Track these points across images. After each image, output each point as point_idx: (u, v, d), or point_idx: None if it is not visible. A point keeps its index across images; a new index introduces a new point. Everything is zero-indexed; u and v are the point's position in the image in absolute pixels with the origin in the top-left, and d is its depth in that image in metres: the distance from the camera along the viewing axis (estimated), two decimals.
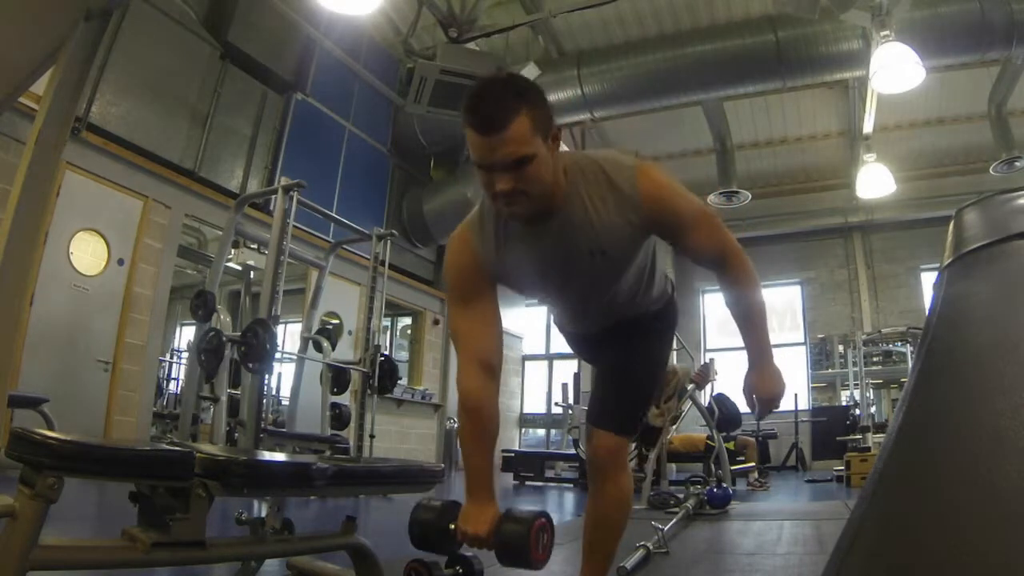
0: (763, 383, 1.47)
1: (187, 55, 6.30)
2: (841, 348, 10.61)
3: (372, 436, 5.21)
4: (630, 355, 1.65)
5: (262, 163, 7.09)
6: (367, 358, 5.31)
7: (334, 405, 5.93)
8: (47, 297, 4.96)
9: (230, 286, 9.27)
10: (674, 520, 3.38)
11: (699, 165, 9.84)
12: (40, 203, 1.56)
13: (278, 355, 4.84)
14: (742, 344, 1.52)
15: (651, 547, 2.56)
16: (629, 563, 2.28)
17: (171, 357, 9.67)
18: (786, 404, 8.53)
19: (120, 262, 5.59)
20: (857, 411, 9.08)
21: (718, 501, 4.19)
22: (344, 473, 1.55)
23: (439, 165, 9.64)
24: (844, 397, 10.32)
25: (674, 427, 6.06)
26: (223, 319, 5.13)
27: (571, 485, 7.18)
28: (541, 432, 11.69)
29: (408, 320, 10.20)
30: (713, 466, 5.88)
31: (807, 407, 10.44)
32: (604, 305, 1.53)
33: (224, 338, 4.56)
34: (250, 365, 4.20)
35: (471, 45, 5.73)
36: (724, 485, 4.57)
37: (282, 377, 8.39)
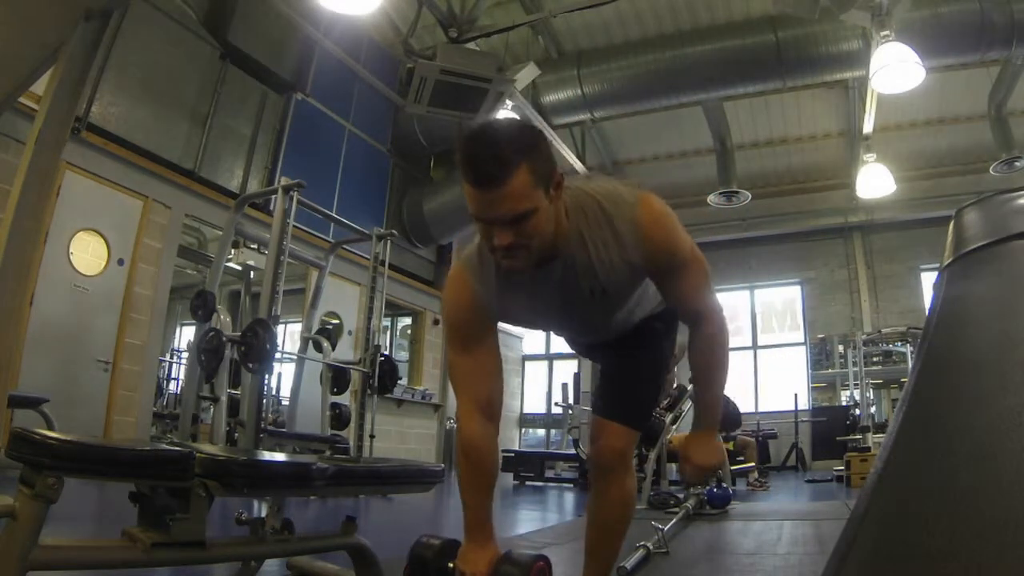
0: (701, 451, 1.47)
1: (187, 55, 6.30)
2: (841, 348, 10.61)
3: (372, 436, 5.21)
4: (633, 351, 1.65)
5: (262, 163, 7.10)
6: (367, 358, 5.31)
7: (334, 405, 5.93)
8: (47, 297, 4.96)
9: (230, 286, 9.27)
10: (674, 520, 3.38)
11: (699, 165, 9.84)
12: (40, 203, 1.56)
13: (278, 355, 4.84)
14: (701, 398, 1.55)
15: (651, 547, 2.56)
16: (629, 563, 2.28)
17: (171, 357, 9.67)
18: (786, 404, 8.53)
19: (120, 262, 5.59)
20: (857, 411, 9.07)
21: (718, 501, 4.19)
22: (344, 473, 1.55)
23: (439, 165, 9.64)
24: (844, 397, 10.32)
25: (674, 427, 6.05)
26: (223, 319, 5.13)
27: (571, 485, 7.18)
28: (541, 432, 11.70)
29: (408, 320, 10.20)
30: None
31: (807, 407, 10.44)
32: (602, 326, 1.57)
33: (224, 338, 4.56)
34: (250, 365, 4.20)
35: (471, 45, 5.73)
36: (724, 485, 4.57)
37: (282, 377, 8.39)
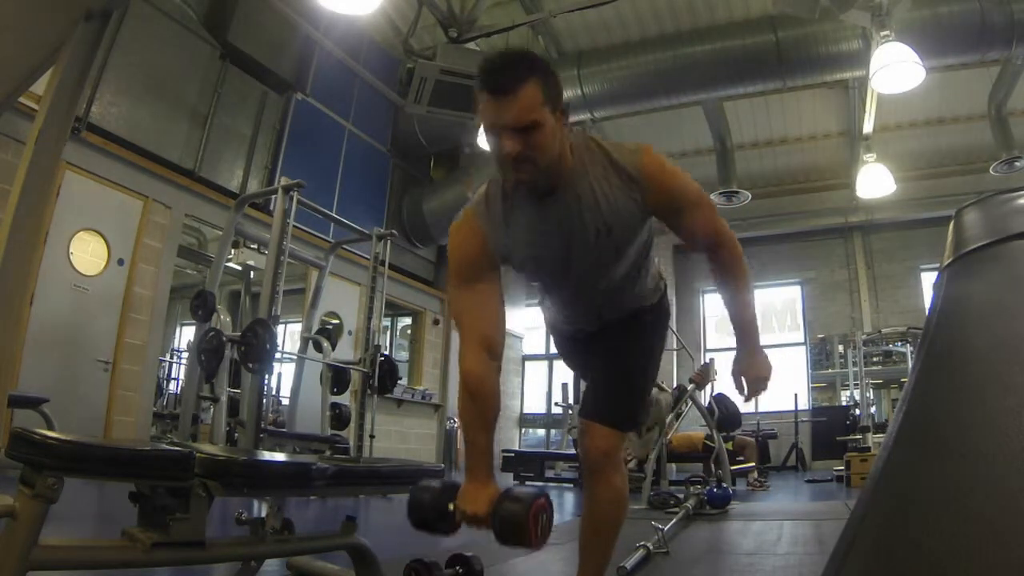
0: (752, 365, 1.53)
1: (187, 55, 6.30)
2: (841, 348, 10.61)
3: (372, 436, 5.21)
4: (621, 348, 1.64)
5: (262, 163, 7.10)
6: (367, 358, 5.31)
7: (334, 405, 5.93)
8: (47, 297, 4.96)
9: (230, 286, 9.27)
10: (674, 520, 3.38)
11: (699, 165, 9.84)
12: (40, 203, 1.56)
13: (278, 355, 4.84)
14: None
15: (651, 547, 2.56)
16: (629, 563, 2.28)
17: (171, 357, 9.67)
18: (786, 404, 8.50)
19: (120, 262, 5.59)
20: (857, 411, 9.07)
21: (718, 501, 4.19)
22: (344, 473, 1.55)
23: (439, 165, 9.64)
24: (844, 397, 10.32)
25: (674, 427, 6.05)
26: (223, 319, 5.13)
27: (571, 485, 7.18)
28: (541, 432, 11.70)
29: (408, 320, 10.20)
30: (713, 466, 5.88)
31: (807, 407, 10.43)
32: (599, 292, 1.54)
33: (224, 338, 4.56)
34: (250, 365, 4.20)
35: (471, 45, 5.72)
36: (724, 485, 4.57)
37: (282, 377, 8.39)
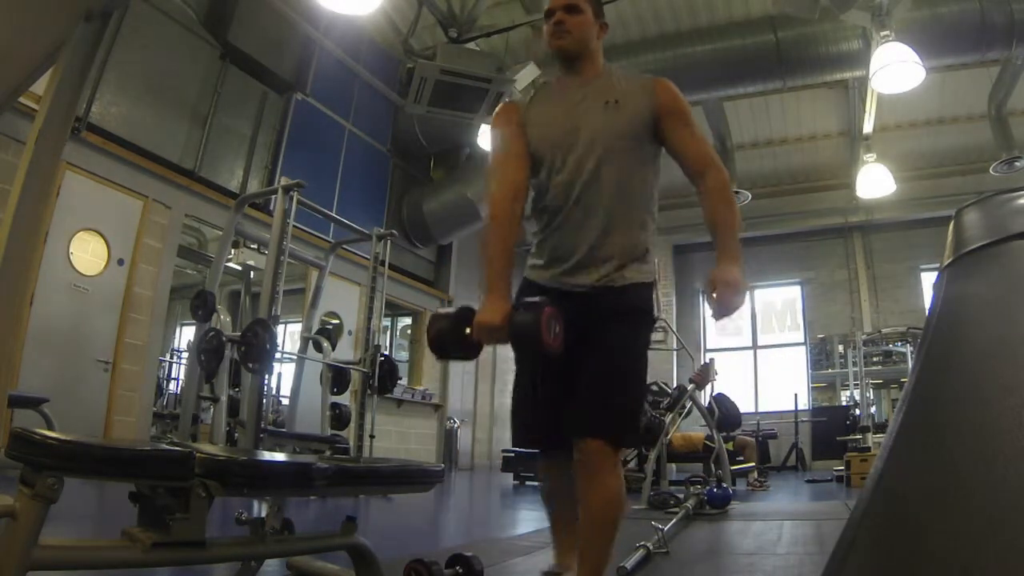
0: (726, 277, 1.53)
1: (187, 55, 6.30)
2: (841, 348, 10.61)
3: (372, 436, 5.20)
4: (610, 343, 1.60)
5: (262, 163, 7.10)
6: (367, 358, 5.31)
7: (334, 405, 5.92)
8: (47, 297, 4.95)
9: (230, 286, 9.27)
10: (674, 520, 3.38)
11: None
12: (40, 203, 1.56)
13: (278, 355, 4.84)
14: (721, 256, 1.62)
15: (651, 547, 2.55)
16: (629, 563, 2.28)
17: (171, 357, 9.67)
18: (786, 404, 8.50)
19: (120, 262, 5.59)
20: (857, 411, 9.07)
21: (718, 501, 4.19)
22: (344, 473, 1.54)
23: (439, 165, 9.64)
24: (844, 397, 10.33)
25: (674, 427, 6.05)
26: (223, 319, 5.13)
27: None
28: None
29: (408, 320, 10.20)
30: (713, 466, 5.88)
31: (807, 407, 10.44)
32: (598, 196, 1.62)
33: (224, 338, 4.56)
34: (250, 365, 4.19)
35: (471, 45, 5.72)
36: (724, 485, 4.57)
37: (282, 377, 8.39)
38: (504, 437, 10.28)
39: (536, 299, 1.51)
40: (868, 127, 7.79)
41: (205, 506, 1.29)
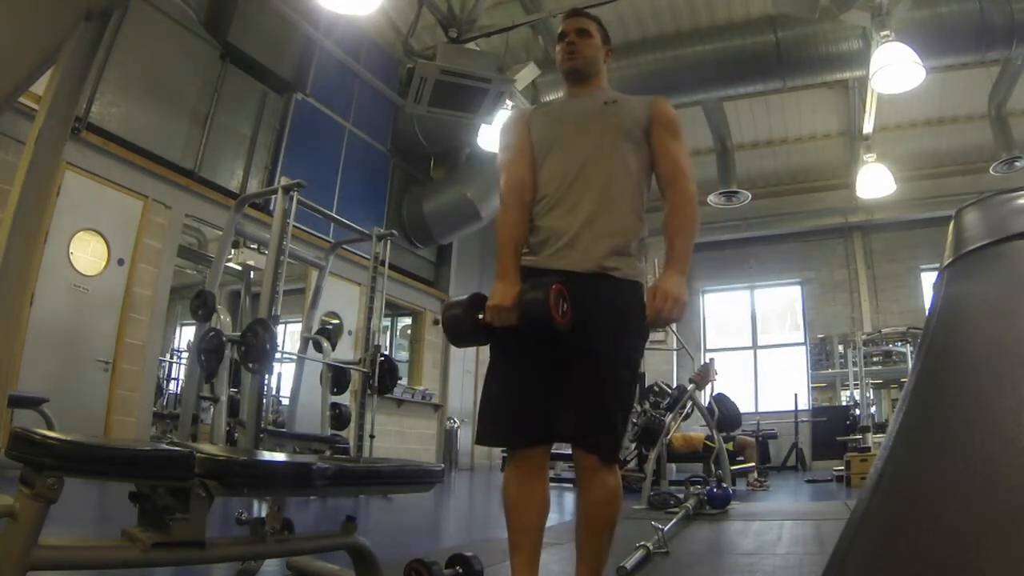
0: (667, 286, 1.57)
1: (187, 55, 6.30)
2: (841, 348, 10.61)
3: (372, 436, 5.20)
4: (601, 349, 1.59)
5: (262, 163, 7.09)
6: (367, 358, 5.30)
7: (334, 405, 5.92)
8: (47, 297, 4.95)
9: (230, 286, 9.27)
10: (674, 520, 3.38)
11: (699, 165, 9.85)
12: (40, 203, 1.56)
13: (278, 355, 4.83)
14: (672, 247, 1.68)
15: (651, 547, 2.56)
16: (629, 563, 2.28)
17: (171, 357, 9.67)
18: (786, 404, 8.49)
19: (120, 262, 5.59)
20: (857, 411, 9.08)
21: (718, 501, 4.19)
22: (344, 473, 1.54)
23: (439, 165, 9.64)
24: (844, 397, 10.32)
25: (674, 427, 6.05)
26: (223, 319, 5.13)
27: (571, 485, 7.18)
28: None
29: (408, 320, 10.20)
30: (713, 466, 5.88)
31: (807, 407, 10.44)
32: (595, 177, 1.68)
33: (224, 338, 4.55)
34: (250, 365, 4.19)
35: (471, 45, 5.72)
36: (724, 485, 4.57)
37: (282, 377, 8.39)
38: None
39: (542, 279, 1.58)
40: (868, 127, 7.79)
41: (205, 506, 1.29)
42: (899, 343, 9.82)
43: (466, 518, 4.95)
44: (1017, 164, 8.18)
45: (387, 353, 6.40)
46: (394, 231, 5.88)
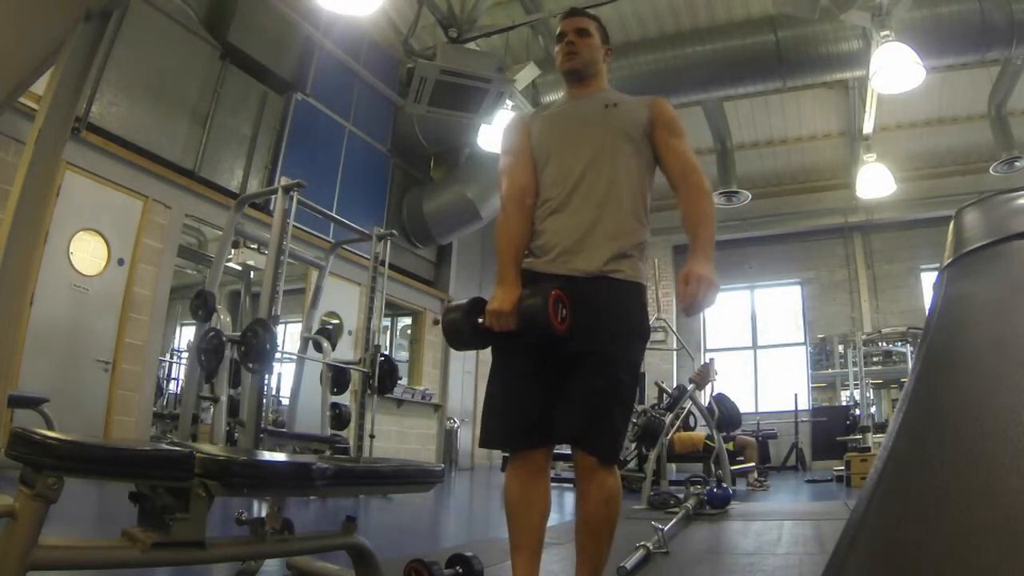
0: (700, 272, 1.56)
1: (187, 55, 6.30)
2: (841, 348, 10.61)
3: (372, 436, 5.20)
4: (598, 352, 1.59)
5: (262, 163, 7.09)
6: (367, 358, 5.30)
7: (334, 405, 5.92)
8: (47, 297, 4.95)
9: (230, 286, 9.27)
10: (674, 520, 3.38)
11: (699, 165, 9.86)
12: (40, 203, 1.56)
13: (278, 355, 4.83)
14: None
15: (651, 547, 2.56)
16: (629, 563, 2.28)
17: (171, 357, 9.67)
18: (786, 404, 8.50)
19: (120, 262, 5.59)
20: (857, 411, 9.08)
21: (718, 501, 4.19)
22: (344, 473, 1.54)
23: (439, 165, 9.64)
24: (844, 397, 10.32)
25: (674, 427, 6.05)
26: (223, 319, 5.13)
27: (571, 485, 7.18)
28: None
29: (408, 320, 10.20)
30: (713, 466, 5.88)
31: (807, 407, 10.44)
32: (597, 182, 1.68)
33: (224, 338, 4.55)
34: (250, 365, 4.19)
35: (471, 45, 5.72)
36: (724, 485, 4.57)
37: (282, 377, 8.39)
38: None
39: (541, 285, 1.58)
40: (868, 127, 7.79)
41: (205, 506, 1.29)
42: (899, 343, 9.82)
43: (466, 518, 4.95)
44: (1017, 164, 8.18)
45: (387, 353, 6.40)
46: (394, 231, 5.88)
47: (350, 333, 8.07)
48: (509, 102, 6.19)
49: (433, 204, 8.90)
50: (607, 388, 1.59)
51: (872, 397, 9.61)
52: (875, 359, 10.04)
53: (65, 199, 5.12)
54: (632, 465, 6.26)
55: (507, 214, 1.75)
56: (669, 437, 5.87)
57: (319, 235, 7.14)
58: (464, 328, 1.66)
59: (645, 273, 1.74)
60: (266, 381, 5.13)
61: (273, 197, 5.09)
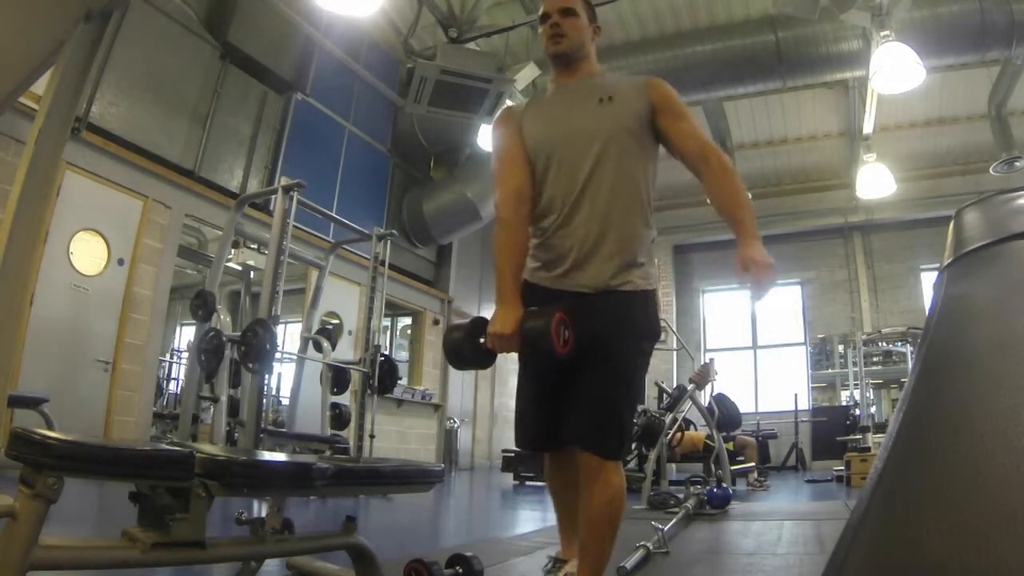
0: (754, 254, 1.52)
1: (187, 55, 6.30)
2: (841, 348, 10.61)
3: (372, 436, 5.20)
4: (604, 357, 1.60)
5: (262, 163, 7.09)
6: (367, 358, 5.30)
7: (334, 405, 5.92)
8: (47, 297, 4.95)
9: (230, 286, 9.28)
10: (674, 520, 3.38)
11: None
12: (40, 203, 1.56)
13: (278, 355, 4.83)
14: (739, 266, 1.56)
15: (651, 547, 2.55)
16: (629, 563, 2.28)
17: (171, 357, 9.67)
18: (786, 404, 8.49)
19: (120, 262, 5.59)
20: (857, 411, 9.08)
21: (718, 501, 4.19)
22: (344, 473, 1.54)
23: (439, 165, 9.64)
24: (844, 397, 10.32)
25: (674, 427, 6.04)
26: (223, 319, 5.13)
27: None
28: None
29: (408, 320, 10.20)
30: (713, 466, 5.88)
31: (807, 407, 10.44)
32: (597, 191, 1.63)
33: (224, 338, 4.56)
34: (250, 365, 4.19)
35: (471, 45, 5.72)
36: (724, 485, 4.57)
37: (282, 377, 8.39)
38: (504, 437, 10.28)
39: (544, 308, 1.54)
40: (868, 127, 7.79)
41: (205, 506, 1.29)
42: (899, 343, 9.82)
43: (466, 518, 4.95)
44: (1017, 164, 8.17)
45: (387, 353, 6.40)
46: (394, 231, 5.89)
47: (350, 333, 8.07)
48: (509, 102, 6.19)
49: (433, 204, 8.90)
50: (612, 389, 1.60)
51: (872, 397, 9.61)
52: (875, 359, 10.04)
53: (65, 199, 5.12)
54: (632, 465, 6.25)
55: (503, 226, 1.68)
56: (669, 438, 5.87)
57: (319, 235, 7.15)
58: (465, 349, 1.63)
59: (654, 277, 1.74)
60: (266, 381, 5.13)
61: (273, 197, 5.09)
